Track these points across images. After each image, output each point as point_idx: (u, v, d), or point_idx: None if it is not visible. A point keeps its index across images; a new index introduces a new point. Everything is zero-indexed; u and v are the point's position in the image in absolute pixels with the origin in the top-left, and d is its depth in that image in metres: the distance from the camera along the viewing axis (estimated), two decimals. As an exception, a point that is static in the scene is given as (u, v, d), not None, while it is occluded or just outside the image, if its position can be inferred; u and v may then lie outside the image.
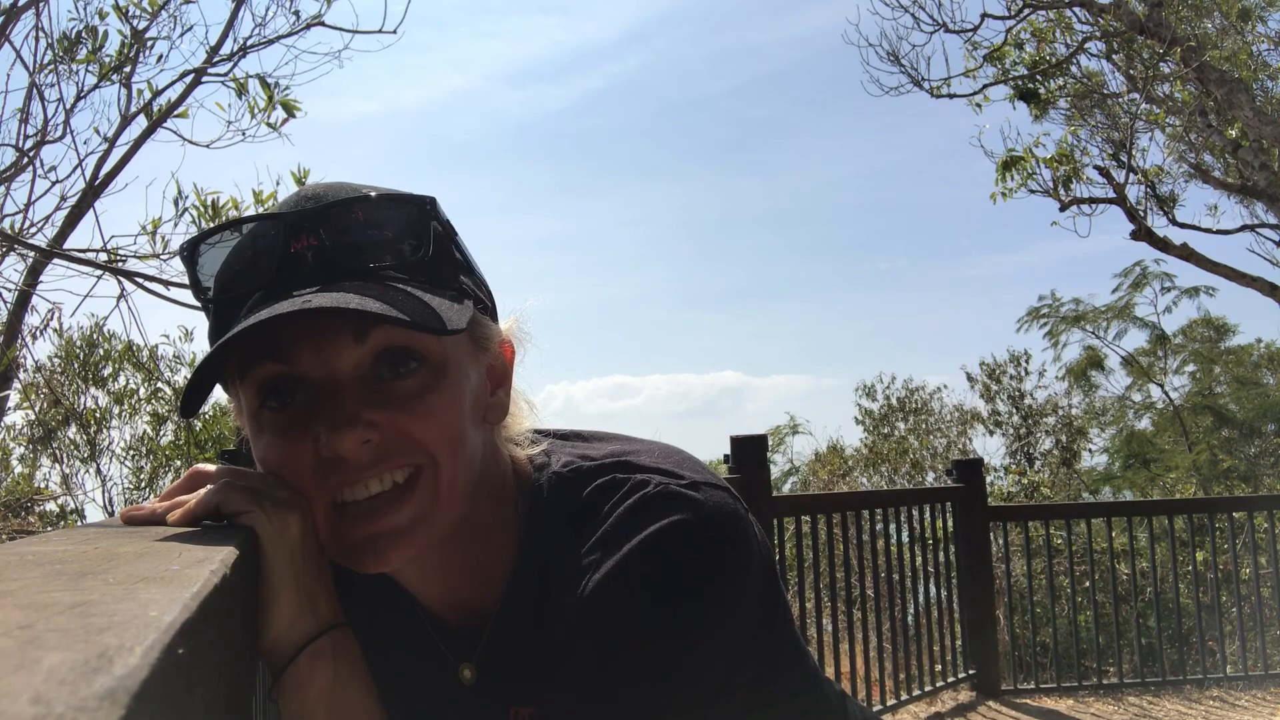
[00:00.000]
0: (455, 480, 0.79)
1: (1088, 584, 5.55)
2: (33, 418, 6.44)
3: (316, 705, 0.77)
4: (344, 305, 0.71)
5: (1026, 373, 14.11)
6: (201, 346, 7.96)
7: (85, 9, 4.80)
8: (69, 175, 4.67)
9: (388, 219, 0.80)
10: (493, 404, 0.88)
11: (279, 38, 5.03)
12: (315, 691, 0.77)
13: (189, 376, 0.75)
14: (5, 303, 4.68)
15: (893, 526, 5.07)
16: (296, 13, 5.05)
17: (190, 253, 0.82)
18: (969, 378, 14.47)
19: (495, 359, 0.89)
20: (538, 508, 0.88)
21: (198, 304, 0.84)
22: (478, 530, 0.87)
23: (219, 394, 0.86)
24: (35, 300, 4.78)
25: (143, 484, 6.80)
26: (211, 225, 0.80)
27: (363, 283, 0.76)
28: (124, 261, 4.20)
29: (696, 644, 0.79)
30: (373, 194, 0.80)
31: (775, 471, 15.66)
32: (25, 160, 4.40)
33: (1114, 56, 9.45)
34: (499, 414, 0.89)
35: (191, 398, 0.76)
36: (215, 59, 5.05)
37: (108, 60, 4.81)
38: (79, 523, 6.12)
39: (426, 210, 0.81)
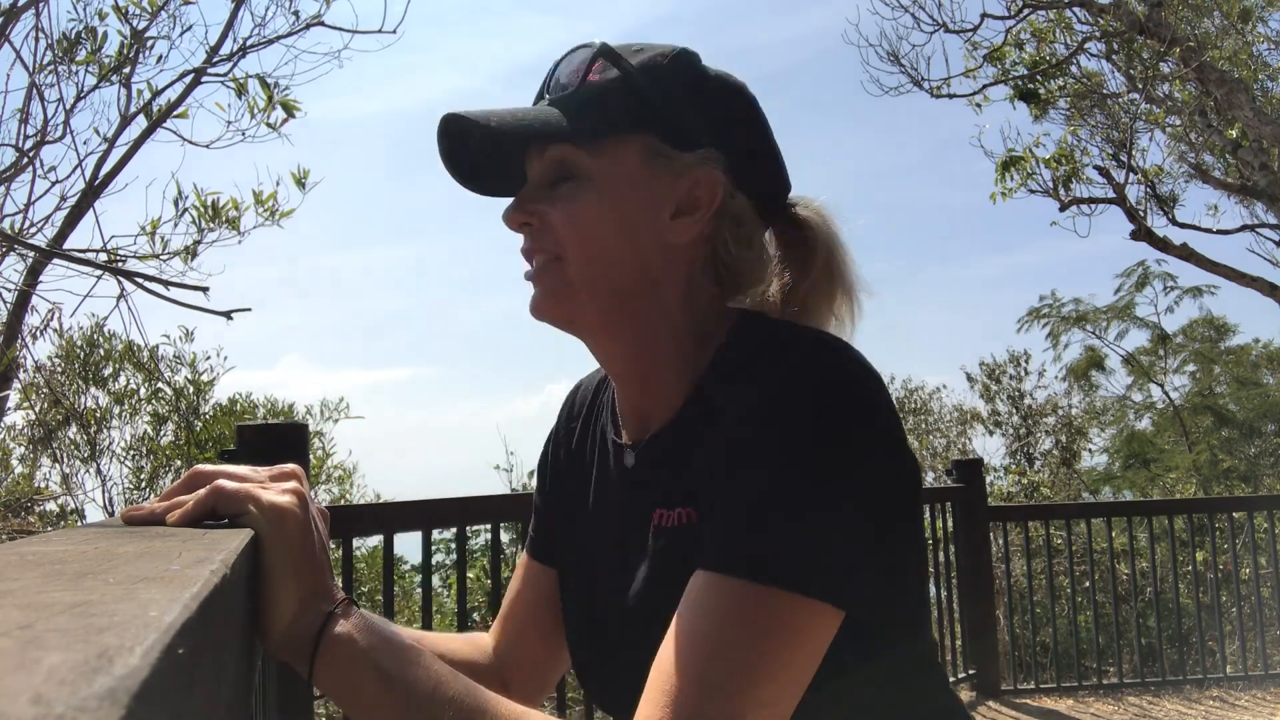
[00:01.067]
0: (581, 276, 0.96)
1: (1088, 584, 5.54)
2: (33, 418, 6.44)
3: (362, 675, 0.79)
4: (493, 121, 0.94)
5: (1026, 373, 14.09)
6: (200, 347, 7.97)
7: (85, 9, 4.81)
8: (69, 175, 4.69)
9: (574, 64, 0.99)
10: (673, 225, 0.99)
11: (279, 38, 5.04)
12: (350, 664, 0.79)
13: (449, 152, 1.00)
14: (5, 303, 4.69)
15: (893, 526, 5.06)
16: (296, 13, 5.07)
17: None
18: (969, 378, 14.44)
19: (685, 191, 0.99)
20: (737, 336, 0.98)
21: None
22: (654, 342, 1.00)
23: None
24: (35, 300, 4.79)
25: (143, 484, 6.79)
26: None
27: (543, 108, 0.98)
28: (124, 261, 4.21)
29: (852, 477, 0.83)
30: (578, 46, 1.01)
31: (775, 471, 15.58)
32: (25, 160, 4.40)
33: (1114, 56, 9.44)
34: (680, 233, 0.99)
35: (457, 164, 1.01)
36: (215, 59, 5.06)
37: (107, 60, 4.82)
38: (79, 523, 6.12)
39: (598, 52, 0.98)
